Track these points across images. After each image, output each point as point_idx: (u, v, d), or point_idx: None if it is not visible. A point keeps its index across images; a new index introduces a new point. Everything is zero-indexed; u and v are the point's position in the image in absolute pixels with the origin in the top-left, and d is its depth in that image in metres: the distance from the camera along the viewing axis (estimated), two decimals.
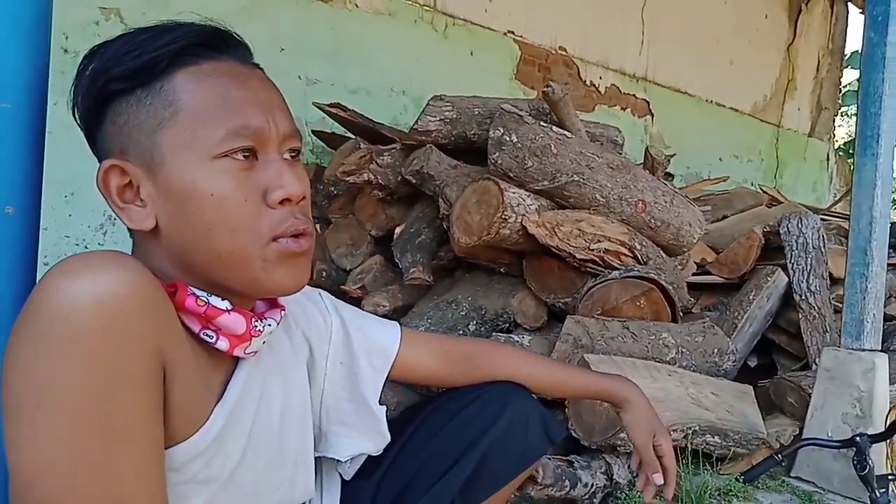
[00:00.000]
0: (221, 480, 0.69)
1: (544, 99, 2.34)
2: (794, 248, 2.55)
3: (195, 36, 0.68)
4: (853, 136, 2.27)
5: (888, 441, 1.70)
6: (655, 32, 4.75)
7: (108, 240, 2.55)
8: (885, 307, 2.74)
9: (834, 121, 6.65)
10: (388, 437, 0.91)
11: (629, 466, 1.61)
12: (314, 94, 3.03)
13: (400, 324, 1.00)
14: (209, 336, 0.68)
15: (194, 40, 0.68)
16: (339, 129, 2.90)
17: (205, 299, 0.67)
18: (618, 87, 4.61)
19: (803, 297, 2.45)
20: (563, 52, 4.26)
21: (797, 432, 1.98)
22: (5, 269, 0.81)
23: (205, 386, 0.68)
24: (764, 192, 4.25)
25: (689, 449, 1.68)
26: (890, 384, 1.97)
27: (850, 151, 6.98)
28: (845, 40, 6.63)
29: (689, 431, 1.72)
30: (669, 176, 3.75)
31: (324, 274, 2.52)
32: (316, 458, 0.89)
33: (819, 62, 6.39)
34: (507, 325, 2.16)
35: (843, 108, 7.39)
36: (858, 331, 1.89)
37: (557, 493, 1.45)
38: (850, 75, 7.02)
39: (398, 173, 2.38)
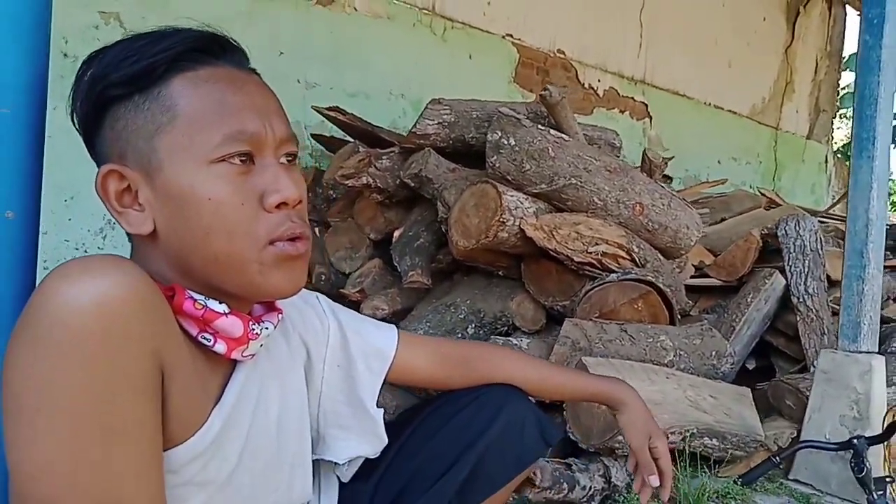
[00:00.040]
0: (219, 482, 0.70)
1: (542, 102, 2.35)
2: (792, 251, 2.56)
3: (192, 42, 0.69)
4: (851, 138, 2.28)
5: (886, 443, 1.70)
6: (654, 35, 4.77)
7: (108, 244, 2.55)
8: (882, 309, 2.76)
9: (832, 123, 6.66)
10: (386, 440, 0.92)
11: (627, 469, 1.62)
12: (313, 98, 3.04)
13: (397, 327, 1.01)
14: (207, 339, 0.68)
15: (191, 46, 0.69)
16: (338, 133, 2.91)
17: (202, 303, 0.67)
18: (616, 90, 4.62)
19: (801, 300, 2.46)
20: (562, 55, 4.27)
21: (795, 435, 1.98)
22: (5, 273, 0.81)
23: (202, 389, 0.68)
24: (762, 194, 4.26)
25: (687, 451, 1.68)
26: (887, 386, 1.98)
27: (849, 154, 6.99)
28: (843, 43, 6.65)
29: (687, 434, 1.72)
30: (668, 178, 3.76)
31: (323, 277, 2.53)
32: (314, 461, 0.89)
33: (817, 64, 6.41)
34: (506, 328, 2.16)
35: (842, 111, 7.41)
36: (855, 333, 1.89)
37: (555, 496, 1.46)
38: (848, 77, 7.04)
39: (397, 177, 2.39)
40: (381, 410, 0.92)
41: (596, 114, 4.44)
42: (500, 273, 2.24)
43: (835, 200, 5.09)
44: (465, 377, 1.02)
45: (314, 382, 0.88)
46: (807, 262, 2.52)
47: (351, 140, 2.72)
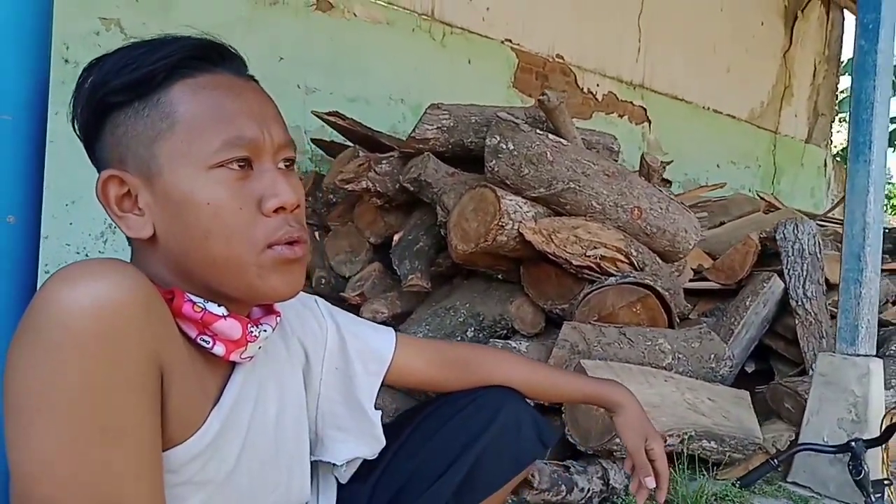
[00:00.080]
0: (218, 482, 0.71)
1: (540, 107, 2.37)
2: (791, 254, 2.57)
3: (191, 49, 0.70)
4: None
5: (883, 446, 1.71)
6: (652, 40, 4.79)
7: (109, 248, 2.56)
8: (881, 313, 2.76)
9: (831, 127, 6.68)
10: (384, 441, 0.92)
11: (625, 471, 1.62)
12: (313, 103, 3.05)
13: (396, 330, 1.02)
14: (206, 341, 0.69)
15: (190, 54, 0.70)
16: (338, 138, 2.92)
17: (201, 305, 0.68)
18: (615, 95, 4.64)
19: (799, 303, 2.46)
20: (561, 60, 4.29)
21: (793, 437, 1.98)
22: (7, 277, 0.83)
23: (201, 390, 0.69)
24: (761, 198, 4.27)
25: (686, 454, 1.69)
26: (886, 389, 1.99)
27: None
28: (841, 47, 6.67)
29: (686, 437, 1.73)
30: (667, 182, 3.77)
31: (323, 281, 2.54)
32: (312, 462, 0.90)
33: (815, 69, 6.43)
34: (505, 331, 2.17)
35: (841, 115, 7.43)
36: (853, 336, 1.90)
37: (554, 497, 1.46)
38: (846, 82, 7.05)
39: (396, 181, 2.40)
40: (379, 412, 0.92)
41: (595, 118, 4.46)
42: (499, 276, 2.25)
43: (833, 204, 5.10)
44: (463, 379, 1.02)
45: (312, 384, 0.89)
46: (805, 265, 2.53)
47: (351, 145, 2.74)
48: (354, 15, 3.33)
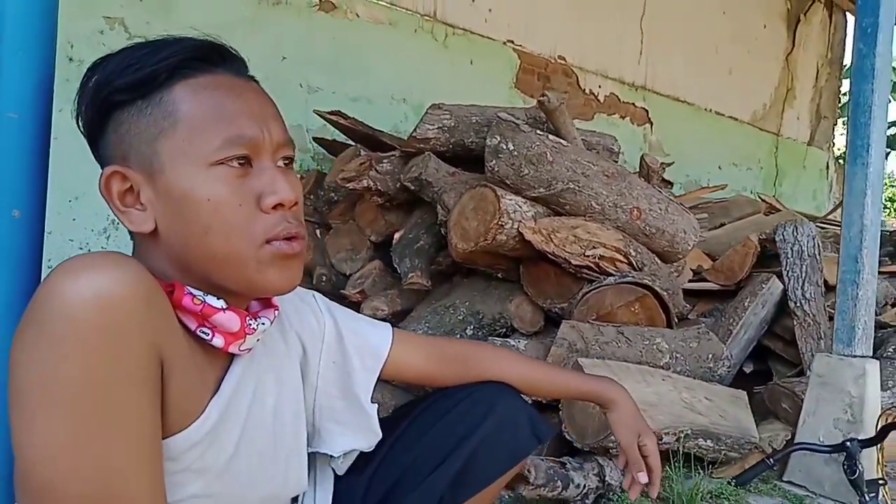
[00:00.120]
0: (216, 471, 0.72)
1: (540, 108, 2.38)
2: (790, 256, 2.58)
3: (193, 50, 0.72)
4: None
5: (878, 446, 1.72)
6: (654, 42, 4.80)
7: (111, 243, 2.59)
8: (879, 314, 2.77)
9: (833, 130, 6.68)
10: (380, 434, 0.94)
11: (618, 467, 1.64)
12: (315, 102, 3.07)
13: (392, 325, 1.03)
14: (205, 333, 0.71)
15: (192, 54, 0.72)
16: (340, 137, 2.94)
17: (201, 298, 0.70)
18: (617, 96, 4.65)
19: (798, 304, 2.47)
20: (563, 61, 4.30)
21: (790, 437, 2.00)
22: (12, 270, 0.84)
23: (201, 380, 0.71)
24: (762, 200, 4.27)
25: (682, 452, 1.70)
26: (882, 390, 2.00)
27: None
28: (844, 50, 6.67)
29: (682, 435, 1.74)
30: (668, 184, 3.78)
31: (324, 278, 2.55)
32: (310, 454, 0.92)
33: (818, 71, 6.43)
34: (504, 329, 2.19)
35: (843, 118, 7.42)
36: (850, 337, 1.91)
37: (549, 493, 1.48)
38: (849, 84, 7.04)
39: (397, 180, 2.42)
40: (376, 405, 0.94)
41: (597, 119, 4.47)
42: (499, 275, 2.27)
43: (833, 206, 5.11)
44: (459, 375, 1.04)
45: (310, 378, 0.90)
46: (804, 266, 2.54)
47: (352, 144, 2.75)
48: (357, 15, 3.34)
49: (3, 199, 0.83)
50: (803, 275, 2.53)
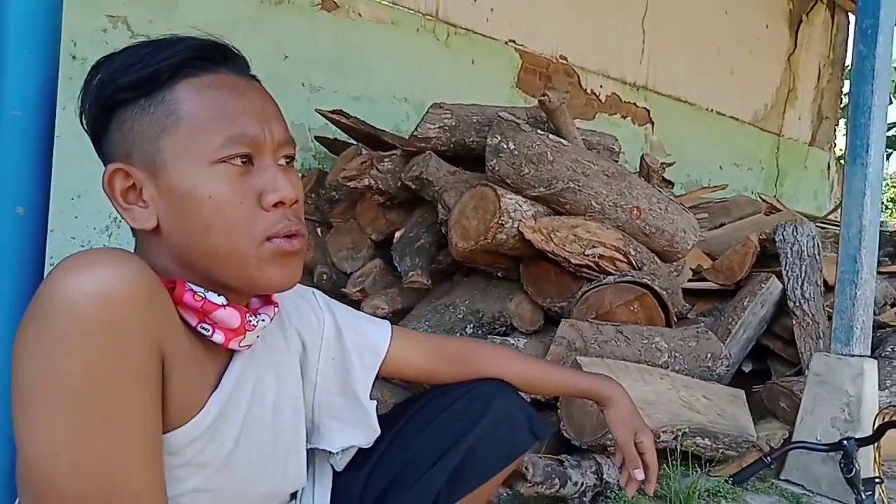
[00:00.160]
0: (216, 465, 0.73)
1: (541, 107, 2.39)
2: (789, 256, 2.58)
3: (195, 50, 0.73)
4: None
5: (875, 445, 1.72)
6: (656, 42, 4.80)
7: (113, 241, 2.60)
8: (879, 314, 2.78)
9: (835, 130, 6.68)
10: (378, 431, 0.95)
11: (615, 464, 1.65)
12: (317, 101, 3.08)
13: (392, 323, 1.04)
14: (206, 329, 0.72)
15: (194, 54, 0.73)
16: (342, 136, 2.95)
17: (202, 295, 0.71)
18: (618, 96, 4.66)
19: (797, 304, 2.48)
20: (564, 61, 4.31)
21: (788, 436, 2.00)
22: (15, 266, 0.85)
23: (201, 376, 0.72)
24: (763, 200, 4.28)
25: (679, 451, 1.71)
26: (880, 390, 2.00)
27: None
28: (846, 51, 6.67)
29: (680, 433, 1.75)
30: (669, 184, 3.79)
31: (324, 277, 2.56)
32: (309, 450, 0.93)
33: (820, 72, 6.43)
34: (504, 328, 2.20)
35: (845, 118, 7.42)
36: (848, 336, 1.92)
37: (547, 490, 1.49)
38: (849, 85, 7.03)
39: (398, 179, 2.43)
40: (375, 402, 0.95)
41: (598, 119, 4.47)
42: (499, 274, 2.28)
43: (834, 207, 5.11)
44: (457, 372, 1.05)
45: (309, 374, 0.91)
46: (804, 266, 2.55)
47: (354, 143, 2.77)
48: (359, 15, 3.35)
49: (7, 196, 0.85)
50: (803, 274, 2.54)
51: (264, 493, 0.83)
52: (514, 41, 4.03)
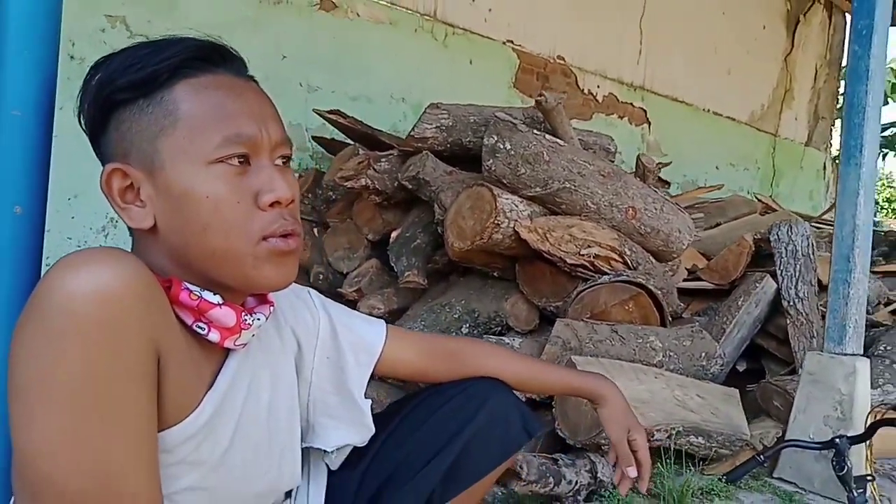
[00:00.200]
0: (211, 464, 0.74)
1: (538, 107, 2.40)
2: (784, 255, 2.60)
3: (194, 51, 0.74)
4: None
5: (867, 443, 1.74)
6: (653, 42, 4.81)
7: (110, 242, 2.60)
8: (873, 314, 2.79)
9: (831, 131, 6.70)
10: (373, 429, 0.96)
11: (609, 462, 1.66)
12: (315, 101, 3.09)
13: (386, 322, 1.05)
14: (201, 328, 0.73)
15: (193, 55, 0.74)
16: (339, 136, 2.96)
17: (198, 294, 0.72)
18: (615, 96, 4.67)
19: (791, 304, 2.49)
20: (562, 61, 4.32)
21: (781, 435, 2.02)
22: (12, 265, 0.86)
23: (197, 375, 0.73)
24: (759, 200, 4.29)
25: (673, 449, 1.72)
26: (873, 388, 2.02)
27: None
28: (843, 51, 6.69)
29: (674, 432, 1.76)
30: (666, 183, 3.80)
31: (321, 277, 2.57)
32: (304, 449, 0.93)
33: (817, 72, 6.45)
34: (500, 328, 2.21)
35: (841, 118, 7.44)
36: (841, 335, 1.93)
37: (541, 489, 1.50)
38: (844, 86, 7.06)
39: (395, 179, 2.44)
40: (370, 401, 0.96)
41: (595, 119, 4.48)
42: (494, 274, 2.29)
43: (829, 206, 5.13)
44: (452, 371, 1.06)
45: (304, 373, 0.92)
46: (798, 266, 2.56)
47: (351, 143, 2.77)
48: (357, 15, 3.36)
49: (5, 195, 0.85)
50: (797, 274, 2.55)
51: (259, 492, 0.84)
52: (511, 41, 4.04)
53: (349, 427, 0.95)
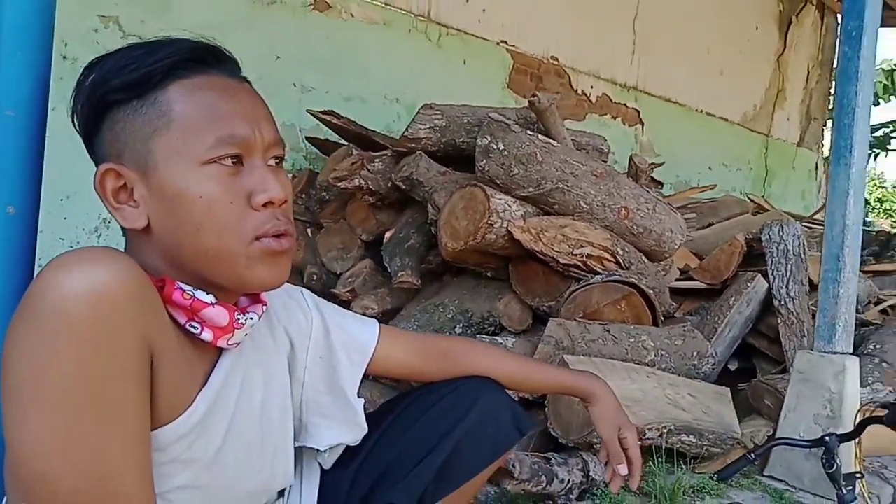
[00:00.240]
0: (204, 462, 0.75)
1: (531, 108, 2.41)
2: (775, 255, 2.61)
3: (188, 52, 0.74)
4: None
5: (856, 440, 1.75)
6: (647, 43, 4.83)
7: (103, 242, 2.59)
8: (862, 313, 2.81)
9: (823, 131, 6.74)
10: (366, 428, 0.96)
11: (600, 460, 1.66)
12: (309, 102, 3.09)
13: (380, 322, 1.06)
14: (194, 327, 0.73)
15: (187, 56, 0.74)
16: (333, 136, 2.96)
17: (191, 293, 0.72)
18: (609, 97, 4.68)
19: (782, 303, 2.51)
20: (555, 62, 4.33)
21: (772, 433, 2.03)
22: (6, 265, 0.87)
23: (189, 374, 0.73)
24: (751, 200, 4.32)
25: (665, 448, 1.73)
26: (862, 386, 2.04)
27: None
28: (835, 52, 6.72)
29: (665, 431, 1.77)
30: (659, 184, 3.82)
31: (314, 277, 2.57)
32: (296, 448, 0.94)
33: (809, 73, 6.48)
34: (493, 328, 2.22)
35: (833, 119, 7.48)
36: (830, 334, 1.95)
37: (534, 488, 1.51)
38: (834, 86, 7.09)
39: (388, 179, 2.44)
40: (362, 400, 0.97)
41: (588, 120, 4.50)
42: (488, 274, 2.30)
43: (820, 206, 5.16)
44: (444, 370, 1.06)
45: (297, 373, 0.93)
46: (789, 266, 2.58)
47: (345, 143, 2.78)
48: (351, 15, 3.36)
49: None
50: (788, 273, 2.57)
51: (252, 491, 0.85)
52: (505, 42, 4.04)
53: (342, 426, 0.96)
